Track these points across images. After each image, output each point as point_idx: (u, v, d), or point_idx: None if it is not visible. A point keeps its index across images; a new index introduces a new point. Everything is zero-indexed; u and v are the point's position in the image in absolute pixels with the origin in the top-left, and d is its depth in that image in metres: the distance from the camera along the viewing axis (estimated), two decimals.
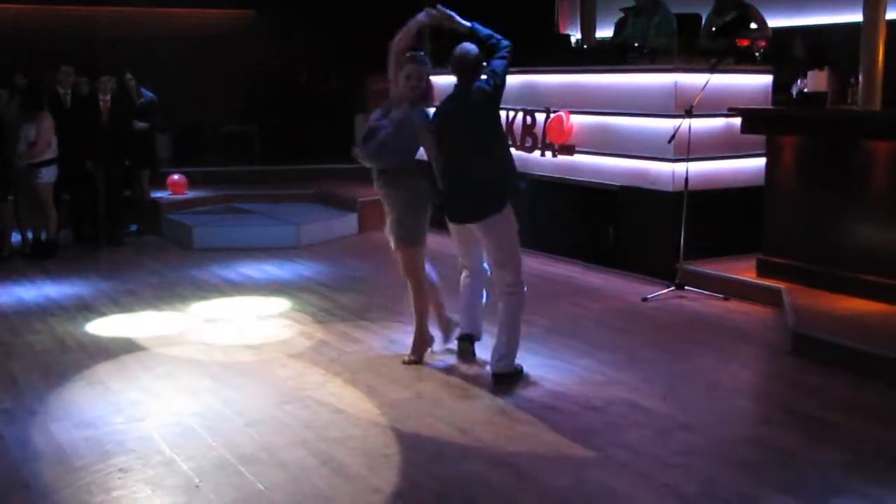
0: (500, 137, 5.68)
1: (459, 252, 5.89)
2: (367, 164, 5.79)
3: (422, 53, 5.83)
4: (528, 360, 5.92)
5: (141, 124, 10.71)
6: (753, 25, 8.76)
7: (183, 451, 4.57)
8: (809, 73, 7.42)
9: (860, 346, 5.81)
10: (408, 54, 5.72)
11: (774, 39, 8.79)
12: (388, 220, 5.87)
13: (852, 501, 4.06)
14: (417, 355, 5.99)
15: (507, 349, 5.57)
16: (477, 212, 5.47)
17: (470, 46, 5.52)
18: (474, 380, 5.63)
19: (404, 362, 5.95)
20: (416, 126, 5.62)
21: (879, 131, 6.79)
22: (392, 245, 5.92)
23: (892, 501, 4.06)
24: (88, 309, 7.46)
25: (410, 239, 5.81)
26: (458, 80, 5.53)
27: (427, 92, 5.77)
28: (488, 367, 5.65)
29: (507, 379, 5.54)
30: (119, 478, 4.28)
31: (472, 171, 5.49)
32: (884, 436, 4.80)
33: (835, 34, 8.77)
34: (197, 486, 4.19)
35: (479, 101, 5.45)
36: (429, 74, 5.74)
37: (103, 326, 6.95)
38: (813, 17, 9.48)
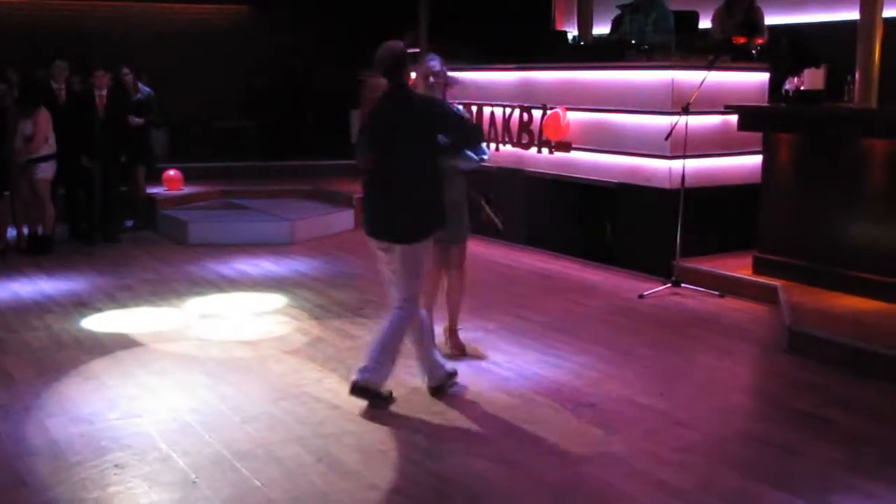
0: (434, 164, 5.12)
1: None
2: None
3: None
4: (526, 357, 5.92)
5: (137, 120, 10.69)
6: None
7: (179, 448, 4.56)
8: (806, 71, 7.43)
9: (856, 343, 5.82)
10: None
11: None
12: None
13: (850, 498, 4.06)
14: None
15: (375, 364, 5.08)
16: (394, 233, 5.07)
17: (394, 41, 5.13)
18: (471, 376, 5.63)
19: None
20: None
21: (876, 129, 6.80)
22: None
23: (889, 497, 4.07)
24: (84, 305, 7.44)
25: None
26: (389, 78, 5.02)
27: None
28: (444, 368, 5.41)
29: (365, 393, 5.08)
30: (115, 474, 4.27)
31: (395, 187, 5.06)
32: (881, 432, 4.80)
33: (830, 32, 8.76)
34: (193, 482, 4.19)
35: (426, 112, 5.07)
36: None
37: (99, 322, 6.93)
38: (808, 15, 9.48)
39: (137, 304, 7.48)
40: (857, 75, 7.16)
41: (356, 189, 11.46)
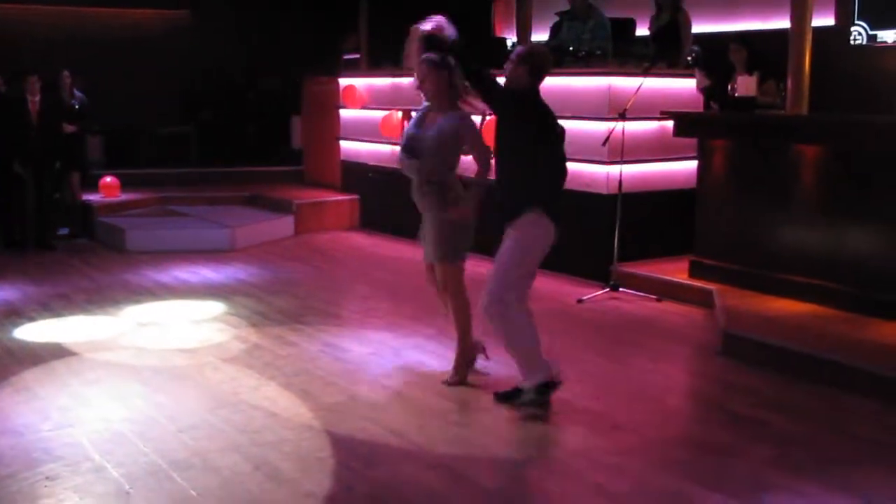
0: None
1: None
2: (409, 175, 5.57)
3: (432, 55, 5.66)
4: None
5: (70, 127, 10.50)
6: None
7: (113, 458, 4.49)
8: (739, 79, 7.56)
9: (789, 345, 5.93)
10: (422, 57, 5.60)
11: (708, 45, 8.95)
12: (424, 234, 5.66)
13: (782, 497, 4.14)
14: (460, 377, 5.63)
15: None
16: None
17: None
18: (410, 384, 5.63)
19: (445, 382, 5.59)
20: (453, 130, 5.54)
21: (806, 135, 6.95)
22: (427, 260, 5.70)
23: (821, 497, 4.15)
24: (17, 314, 7.29)
25: (449, 253, 5.59)
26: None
27: (446, 93, 5.65)
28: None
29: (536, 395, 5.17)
30: (46, 486, 4.19)
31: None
32: (812, 432, 4.90)
33: (764, 40, 8.92)
34: (127, 493, 4.12)
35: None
36: (443, 76, 5.62)
37: (32, 332, 6.80)
38: (745, 23, 9.63)
39: (72, 313, 7.34)
40: (788, 83, 7.30)
41: (296, 195, 11.43)
